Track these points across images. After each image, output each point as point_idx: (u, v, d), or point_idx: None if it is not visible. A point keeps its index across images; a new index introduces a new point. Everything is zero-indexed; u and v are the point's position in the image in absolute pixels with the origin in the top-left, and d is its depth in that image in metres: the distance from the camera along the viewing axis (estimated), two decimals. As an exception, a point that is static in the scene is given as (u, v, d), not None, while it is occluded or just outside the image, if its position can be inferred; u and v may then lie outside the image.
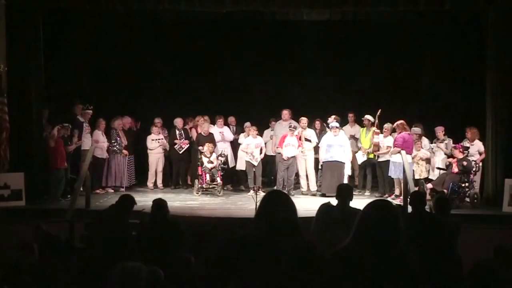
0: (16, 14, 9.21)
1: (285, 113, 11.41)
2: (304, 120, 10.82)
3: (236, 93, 12.96)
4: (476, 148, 9.81)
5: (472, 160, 9.56)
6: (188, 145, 11.32)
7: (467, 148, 9.69)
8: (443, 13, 10.78)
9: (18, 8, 9.22)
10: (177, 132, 11.41)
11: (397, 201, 9.04)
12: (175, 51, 12.87)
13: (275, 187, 10.70)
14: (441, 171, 9.89)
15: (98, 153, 10.45)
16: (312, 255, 2.77)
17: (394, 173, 9.95)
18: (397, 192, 10.09)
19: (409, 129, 10.07)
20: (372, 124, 10.77)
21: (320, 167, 11.00)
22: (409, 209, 7.30)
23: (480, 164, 9.75)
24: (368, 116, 10.95)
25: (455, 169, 9.49)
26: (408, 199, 7.56)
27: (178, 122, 11.44)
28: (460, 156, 9.51)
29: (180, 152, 11.34)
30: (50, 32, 10.04)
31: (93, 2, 9.40)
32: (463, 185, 9.29)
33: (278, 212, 2.82)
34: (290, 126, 10.67)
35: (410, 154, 9.77)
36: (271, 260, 2.67)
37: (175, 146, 11.33)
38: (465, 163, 9.37)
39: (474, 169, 9.48)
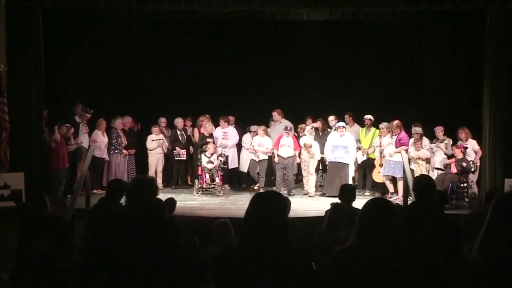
0: (16, 14, 9.20)
1: (275, 114, 11.39)
2: (302, 127, 10.86)
3: (235, 93, 12.96)
4: (470, 147, 9.84)
5: (470, 160, 9.57)
6: (185, 156, 11.30)
7: (466, 148, 9.73)
8: (443, 13, 10.78)
9: (18, 8, 9.21)
10: (178, 132, 11.41)
11: (397, 201, 9.05)
12: (175, 51, 12.87)
13: (274, 187, 10.75)
14: (439, 171, 9.90)
15: (97, 152, 10.44)
16: (301, 260, 2.66)
17: (398, 171, 9.95)
18: (391, 190, 10.14)
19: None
20: (372, 124, 10.82)
21: (321, 167, 11.03)
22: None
23: (478, 163, 9.77)
24: (369, 116, 10.95)
25: (454, 169, 9.51)
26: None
27: (179, 122, 11.45)
28: (461, 156, 9.52)
29: (176, 158, 11.33)
30: (50, 32, 10.04)
31: (93, 2, 9.39)
32: (462, 185, 9.30)
33: (265, 216, 2.65)
34: (286, 128, 10.66)
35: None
36: (260, 270, 2.58)
37: (174, 152, 11.30)
38: (464, 164, 9.38)
39: (472, 169, 9.50)
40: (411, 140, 10.40)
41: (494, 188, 9.30)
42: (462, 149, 9.60)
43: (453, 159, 9.68)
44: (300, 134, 10.97)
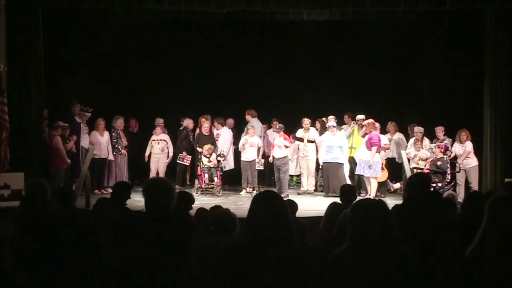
0: (16, 14, 9.20)
1: (248, 116, 11.40)
2: (306, 121, 10.80)
3: (235, 93, 12.95)
4: (468, 148, 9.83)
5: (449, 159, 9.58)
6: (188, 162, 11.28)
7: (448, 149, 9.74)
8: (443, 13, 10.78)
9: (18, 8, 9.21)
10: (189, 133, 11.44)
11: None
12: (175, 51, 12.87)
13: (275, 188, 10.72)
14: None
15: (96, 153, 10.38)
16: (303, 261, 2.66)
17: (367, 171, 9.93)
18: (368, 190, 10.08)
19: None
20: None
21: (320, 167, 11.00)
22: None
23: (461, 165, 9.76)
24: (362, 116, 10.92)
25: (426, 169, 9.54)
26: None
27: (191, 124, 11.44)
28: (440, 155, 9.54)
29: (178, 161, 11.31)
30: (50, 32, 10.04)
31: (93, 2, 9.40)
32: (433, 185, 9.21)
33: (267, 216, 2.68)
34: (276, 127, 10.67)
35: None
36: (260, 270, 2.59)
37: (179, 155, 11.25)
38: (439, 163, 9.40)
39: (452, 170, 9.46)
40: (411, 140, 10.40)
41: (494, 188, 9.30)
42: (442, 150, 9.63)
43: (433, 158, 9.72)
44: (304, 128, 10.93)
